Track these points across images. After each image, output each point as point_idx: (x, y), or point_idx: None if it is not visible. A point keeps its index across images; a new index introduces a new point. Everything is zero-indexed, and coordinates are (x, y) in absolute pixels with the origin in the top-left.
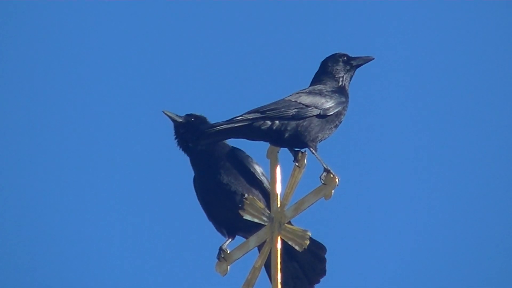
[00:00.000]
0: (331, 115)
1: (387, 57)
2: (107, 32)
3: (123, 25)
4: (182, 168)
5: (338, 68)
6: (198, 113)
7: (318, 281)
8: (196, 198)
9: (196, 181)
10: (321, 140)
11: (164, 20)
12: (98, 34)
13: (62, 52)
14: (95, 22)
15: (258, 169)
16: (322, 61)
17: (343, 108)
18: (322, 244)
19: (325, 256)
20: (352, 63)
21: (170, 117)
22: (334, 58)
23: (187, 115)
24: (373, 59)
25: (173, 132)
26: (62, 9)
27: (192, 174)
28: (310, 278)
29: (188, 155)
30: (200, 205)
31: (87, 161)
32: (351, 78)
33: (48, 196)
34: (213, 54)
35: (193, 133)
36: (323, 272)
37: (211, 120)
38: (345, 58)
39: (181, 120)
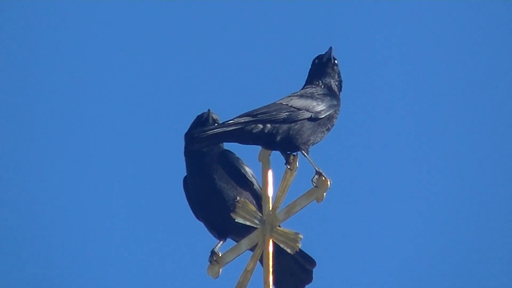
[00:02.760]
0: (322, 118)
1: (379, 60)
2: (104, 30)
3: (121, 24)
4: (175, 169)
5: (322, 71)
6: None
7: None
8: (185, 198)
9: (187, 182)
10: (313, 143)
11: (158, 19)
12: (94, 31)
13: (59, 50)
14: (93, 18)
15: (249, 171)
16: (311, 64)
17: (335, 111)
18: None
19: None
20: (327, 63)
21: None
22: (313, 62)
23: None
24: (330, 47)
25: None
26: (62, 6)
27: (184, 174)
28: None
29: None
30: (188, 205)
31: (84, 160)
32: (337, 78)
33: (42, 193)
34: (205, 58)
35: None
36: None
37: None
38: (317, 60)
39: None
